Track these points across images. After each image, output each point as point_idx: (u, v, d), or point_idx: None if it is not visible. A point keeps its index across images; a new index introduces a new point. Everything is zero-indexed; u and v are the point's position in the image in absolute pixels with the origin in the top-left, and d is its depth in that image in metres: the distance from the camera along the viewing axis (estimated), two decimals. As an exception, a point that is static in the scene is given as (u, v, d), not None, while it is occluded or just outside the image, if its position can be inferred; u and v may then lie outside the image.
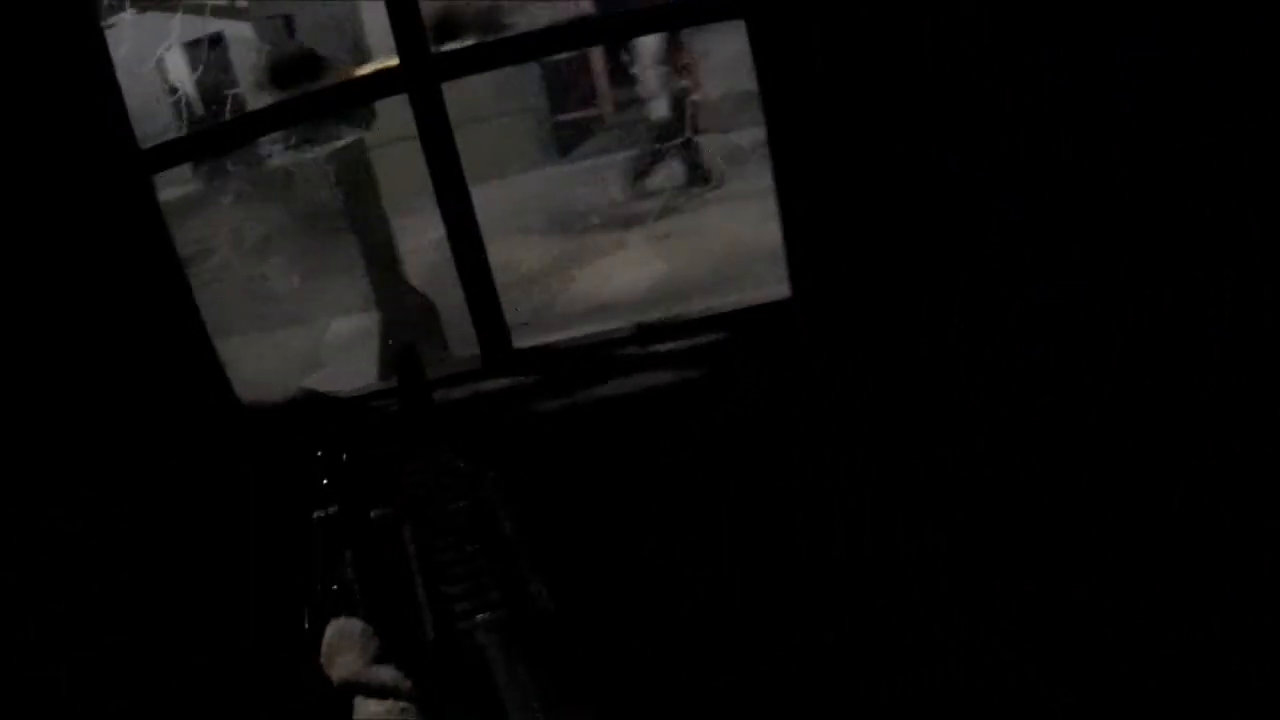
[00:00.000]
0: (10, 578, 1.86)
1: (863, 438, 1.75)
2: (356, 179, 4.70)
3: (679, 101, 7.11)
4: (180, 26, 8.78)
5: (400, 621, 0.85)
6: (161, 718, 1.88)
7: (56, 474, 1.88)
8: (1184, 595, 1.64)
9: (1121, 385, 1.63)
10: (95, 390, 1.89)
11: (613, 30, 1.80)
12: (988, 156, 1.57)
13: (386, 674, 0.81)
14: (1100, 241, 1.57)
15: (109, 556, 1.89)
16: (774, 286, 1.78)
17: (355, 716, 0.81)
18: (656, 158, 7.26)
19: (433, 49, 1.81)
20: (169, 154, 1.93)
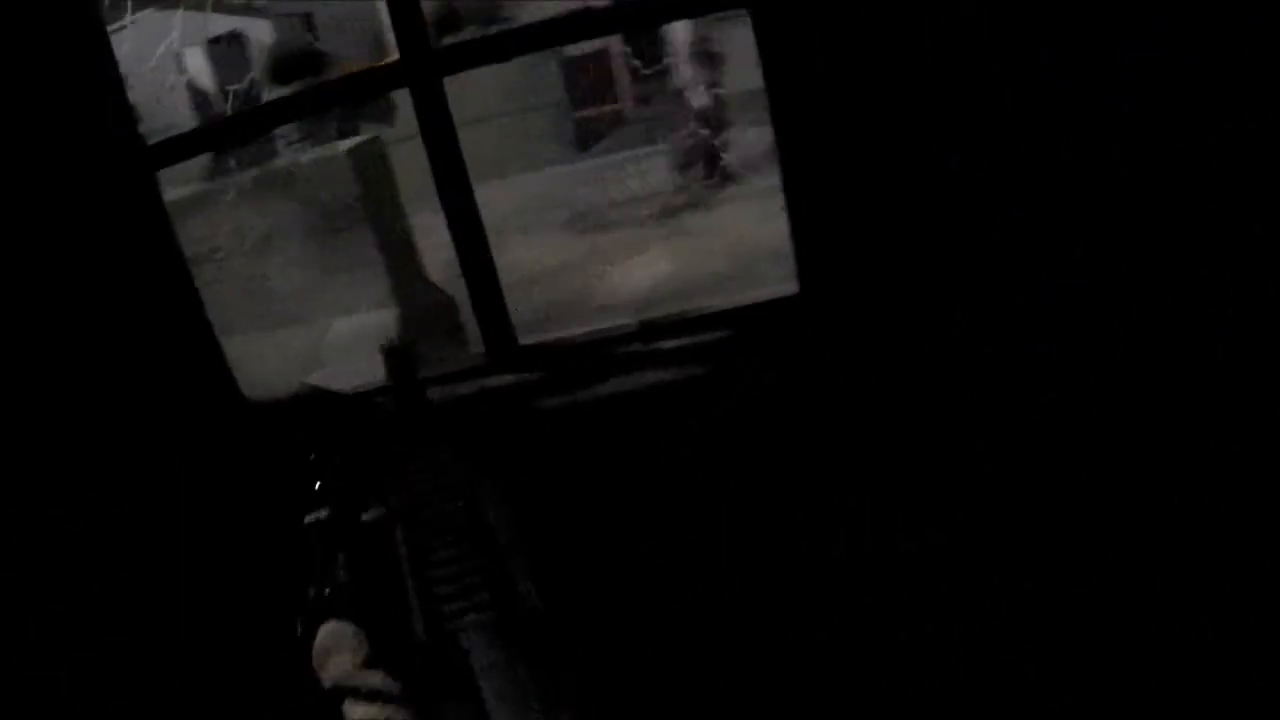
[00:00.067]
0: (10, 578, 1.86)
1: (863, 436, 1.75)
2: (375, 175, 4.71)
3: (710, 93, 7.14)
4: (200, 24, 8.78)
5: (392, 623, 0.85)
6: (161, 718, 1.88)
7: (56, 474, 1.88)
8: (1184, 595, 1.64)
9: (1123, 384, 1.63)
10: (97, 389, 1.89)
11: (615, 21, 1.78)
12: (988, 156, 1.57)
13: (375, 677, 0.81)
14: (1102, 240, 1.57)
15: (109, 556, 1.88)
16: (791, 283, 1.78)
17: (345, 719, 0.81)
18: (697, 148, 7.23)
19: (433, 43, 1.80)
20: (173, 150, 1.93)
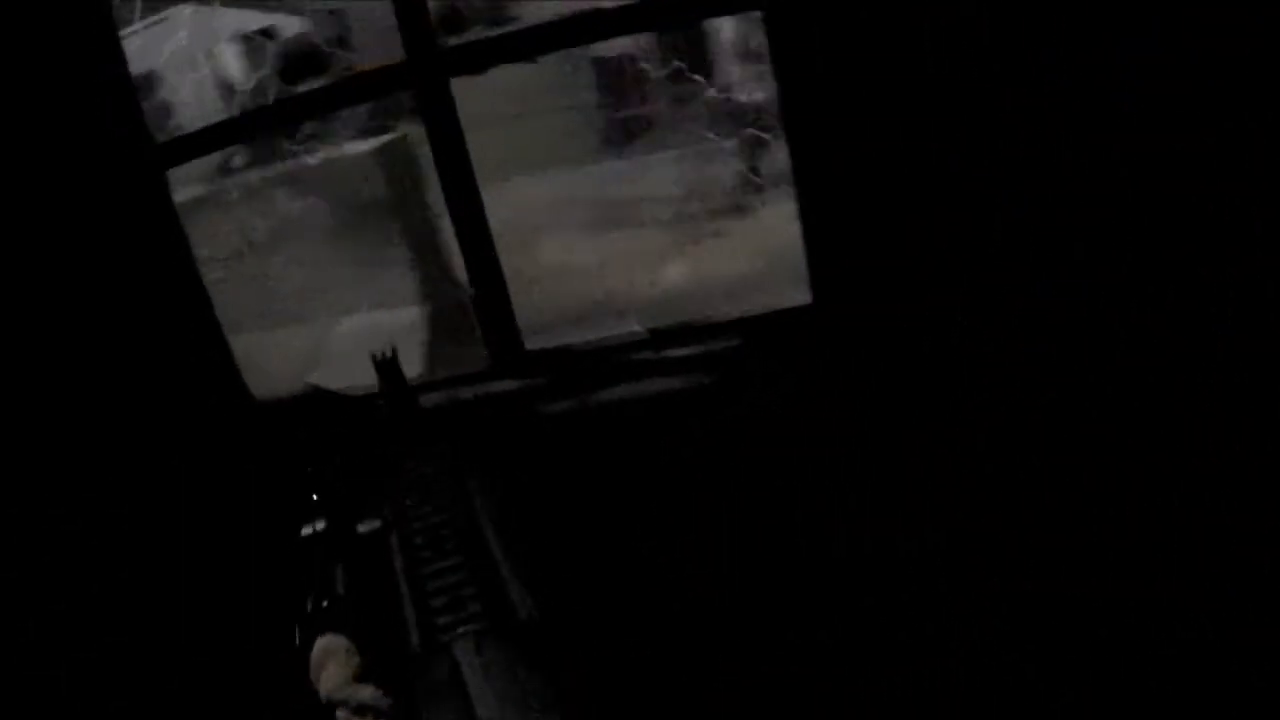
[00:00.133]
0: (10, 578, 1.86)
1: (864, 436, 1.75)
2: (402, 174, 4.71)
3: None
4: (235, 20, 8.77)
5: (387, 635, 0.85)
6: (161, 718, 1.88)
7: (56, 474, 1.88)
8: (1184, 595, 1.64)
9: (1123, 384, 1.63)
10: (99, 389, 1.89)
11: (624, 22, 1.78)
12: (988, 156, 1.57)
13: (366, 692, 0.81)
14: (1102, 240, 1.57)
15: (109, 556, 1.88)
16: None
17: None
18: (761, 144, 7.17)
19: (439, 44, 1.80)
20: (183, 149, 1.93)
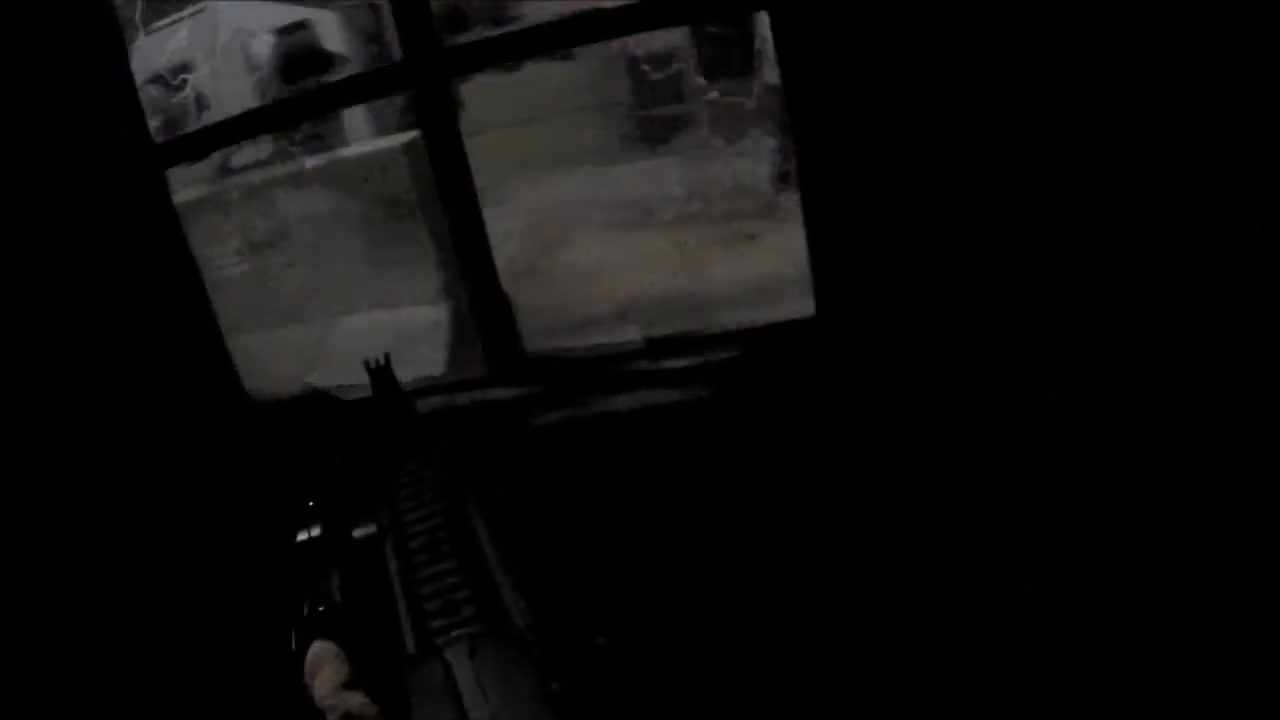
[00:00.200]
0: (10, 578, 1.86)
1: (864, 436, 1.75)
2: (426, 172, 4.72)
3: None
4: (272, 15, 8.75)
5: (381, 640, 0.85)
6: (161, 718, 1.88)
7: (56, 474, 1.88)
8: (1184, 595, 1.64)
9: (1123, 384, 1.63)
10: (99, 388, 1.89)
11: (626, 23, 1.77)
12: (988, 156, 1.57)
13: (354, 699, 0.81)
14: (1102, 240, 1.57)
15: (109, 556, 1.88)
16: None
17: None
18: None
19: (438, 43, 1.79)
20: (182, 149, 1.93)
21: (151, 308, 1.88)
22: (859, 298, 1.69)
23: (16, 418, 1.88)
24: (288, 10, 9.10)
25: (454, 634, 0.83)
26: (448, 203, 1.84)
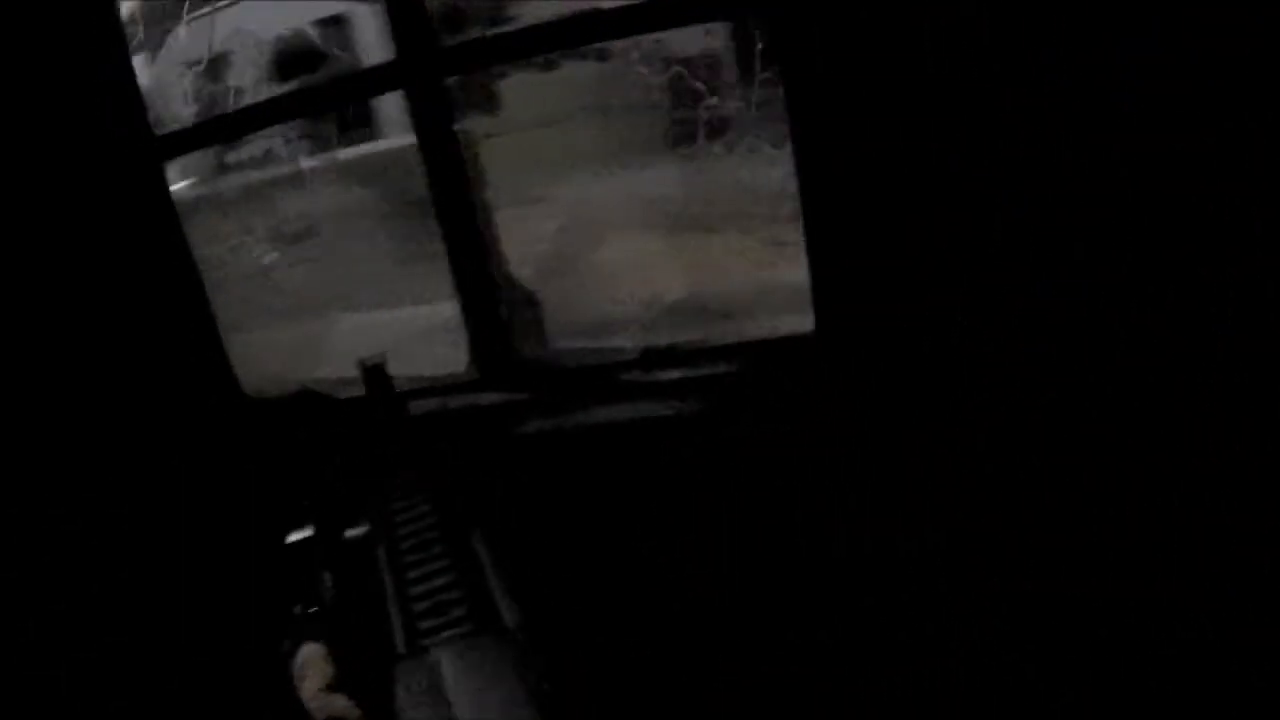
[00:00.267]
0: (10, 578, 1.85)
1: (864, 436, 1.75)
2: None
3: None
4: (305, 9, 8.72)
5: (371, 641, 0.85)
6: (161, 718, 1.88)
7: (56, 474, 1.88)
8: (1184, 595, 1.64)
9: (1123, 384, 1.63)
10: (99, 388, 1.89)
11: (624, 24, 1.77)
12: (988, 156, 1.57)
13: (339, 703, 0.81)
14: (1102, 240, 1.57)
15: (109, 556, 1.88)
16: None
17: None
18: None
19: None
20: (182, 141, 1.93)
21: (149, 303, 1.88)
22: (859, 298, 1.69)
23: (17, 417, 1.88)
24: (322, 5, 9.05)
25: (444, 634, 0.83)
26: (441, 204, 1.84)
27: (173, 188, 1.86)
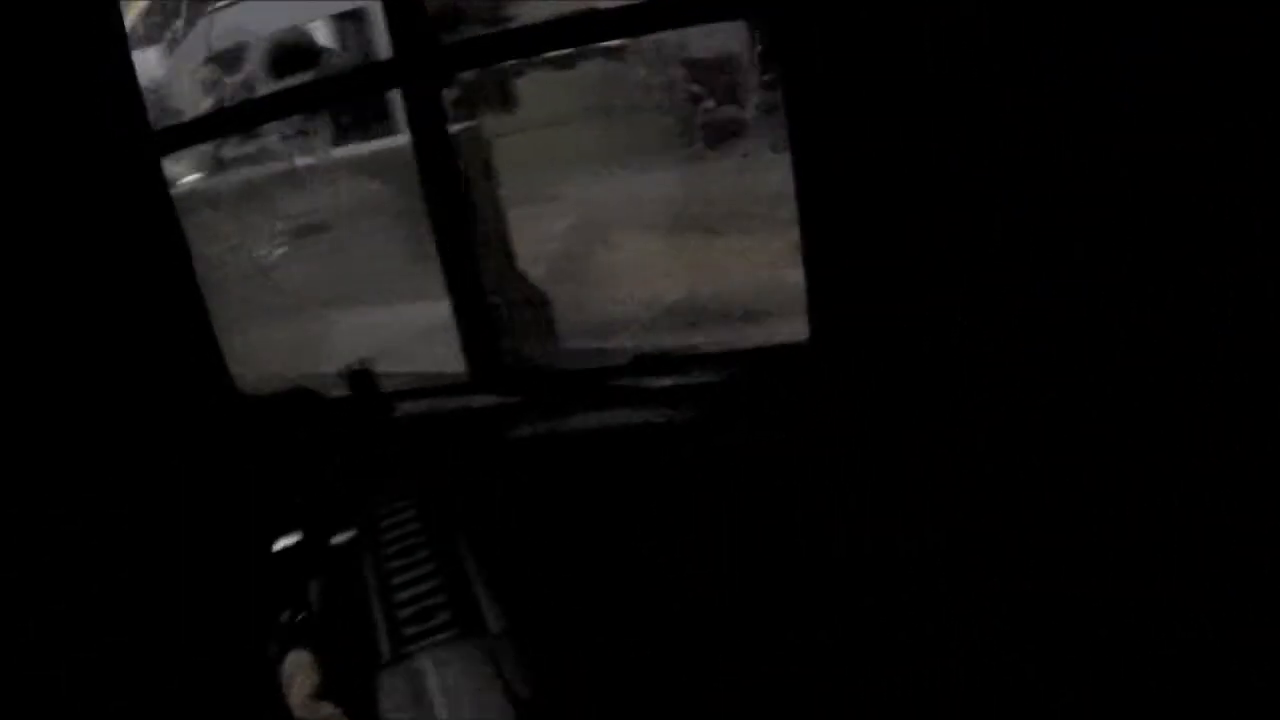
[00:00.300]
0: (10, 578, 1.85)
1: (864, 436, 1.74)
2: (472, 163, 4.70)
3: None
4: (327, 5, 8.69)
5: (356, 647, 0.85)
6: (161, 718, 1.88)
7: (56, 474, 1.88)
8: (1184, 595, 1.64)
9: (1123, 384, 1.63)
10: (99, 388, 1.89)
11: (621, 25, 1.77)
12: (988, 156, 1.57)
13: (325, 709, 0.81)
14: (1102, 240, 1.57)
15: (109, 556, 1.88)
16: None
17: None
18: None
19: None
20: (180, 136, 1.93)
21: (148, 301, 1.87)
22: (858, 299, 1.69)
23: (17, 417, 1.87)
24: (333, 5, 9.02)
25: (428, 640, 0.83)
26: (433, 204, 1.83)
27: (178, 183, 1.87)
